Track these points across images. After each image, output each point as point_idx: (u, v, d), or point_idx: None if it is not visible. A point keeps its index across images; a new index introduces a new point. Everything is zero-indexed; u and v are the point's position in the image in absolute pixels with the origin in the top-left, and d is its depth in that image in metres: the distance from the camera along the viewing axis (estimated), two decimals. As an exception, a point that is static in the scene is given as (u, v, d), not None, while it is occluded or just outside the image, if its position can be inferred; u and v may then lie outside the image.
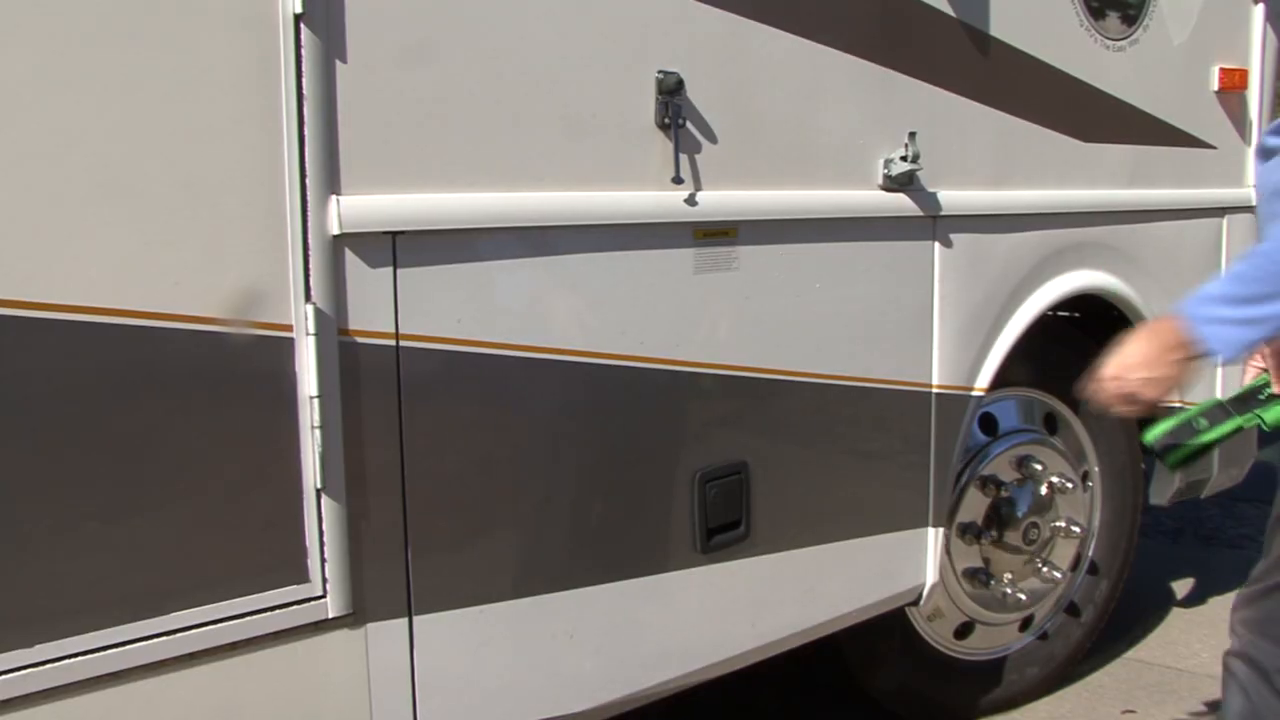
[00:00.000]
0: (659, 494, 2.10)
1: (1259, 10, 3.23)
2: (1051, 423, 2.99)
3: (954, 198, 2.48)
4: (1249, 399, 1.77)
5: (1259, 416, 1.76)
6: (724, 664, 2.25)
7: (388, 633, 1.77)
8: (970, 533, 2.75)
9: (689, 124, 2.03)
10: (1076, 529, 2.92)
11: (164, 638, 1.55)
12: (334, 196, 1.64)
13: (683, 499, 2.12)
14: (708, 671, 2.22)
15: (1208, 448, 1.75)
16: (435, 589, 1.81)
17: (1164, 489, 3.29)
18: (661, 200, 2.01)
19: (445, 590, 1.83)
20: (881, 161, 2.35)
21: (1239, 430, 1.75)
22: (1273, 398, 1.76)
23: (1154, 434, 1.76)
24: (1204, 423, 1.74)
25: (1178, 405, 1.85)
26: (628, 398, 2.02)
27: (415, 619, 1.80)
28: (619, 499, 2.04)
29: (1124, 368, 1.67)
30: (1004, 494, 2.79)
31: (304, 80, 1.59)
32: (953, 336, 2.54)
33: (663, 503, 2.10)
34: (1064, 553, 2.95)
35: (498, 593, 1.89)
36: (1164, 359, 1.63)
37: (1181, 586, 3.89)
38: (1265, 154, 1.67)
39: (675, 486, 2.11)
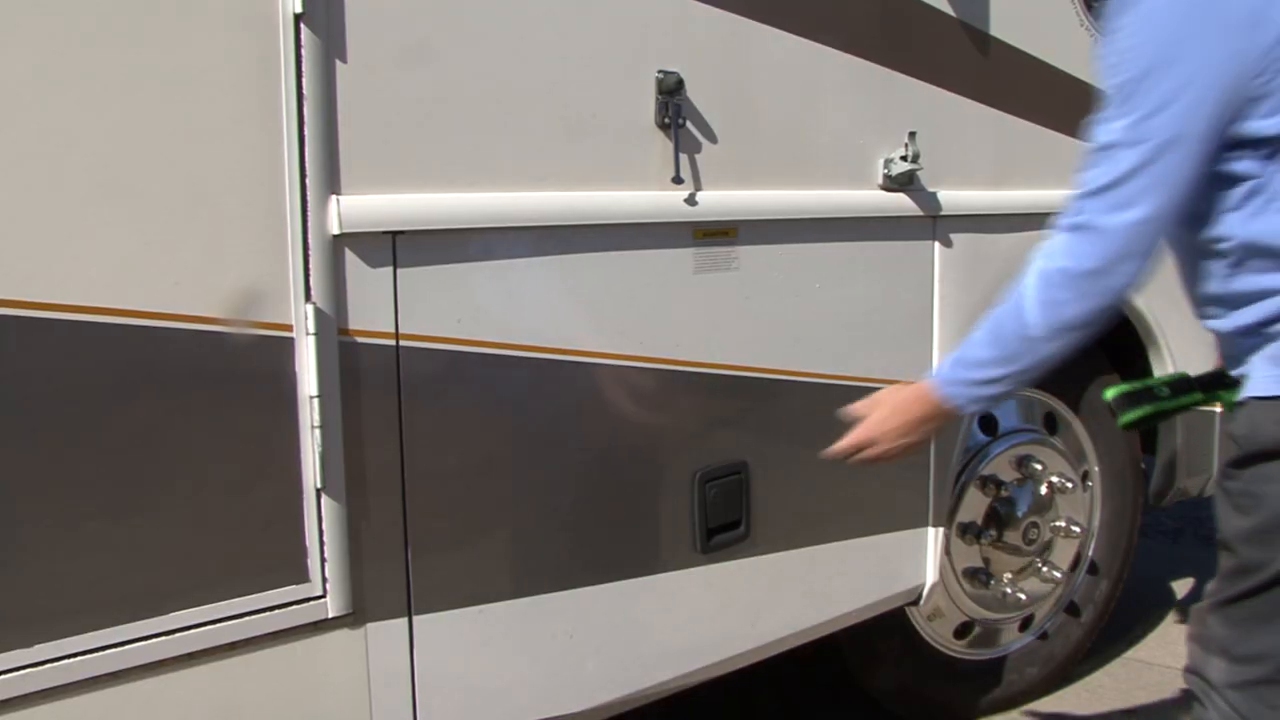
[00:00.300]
0: (659, 494, 2.10)
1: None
2: (1051, 422, 2.98)
3: (954, 198, 2.48)
4: (1215, 380, 1.77)
5: (1221, 397, 1.76)
6: (724, 664, 2.25)
7: (387, 633, 1.77)
8: (970, 533, 2.74)
9: (689, 124, 2.03)
10: (1076, 529, 2.91)
11: (164, 638, 1.55)
12: (334, 196, 1.64)
13: (682, 499, 2.12)
14: (708, 671, 2.22)
15: (1165, 414, 1.76)
16: (435, 589, 1.81)
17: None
18: (661, 200, 2.01)
19: (445, 590, 1.83)
20: (881, 161, 2.35)
21: (1199, 404, 1.77)
22: (1237, 382, 1.76)
23: (1114, 392, 1.76)
24: (1166, 391, 1.75)
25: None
26: (628, 398, 2.02)
27: (415, 619, 1.80)
28: (619, 499, 2.04)
29: (878, 433, 1.82)
30: (1004, 494, 2.79)
31: (304, 80, 1.59)
32: (953, 336, 2.53)
33: (663, 503, 2.10)
34: (1064, 553, 2.95)
35: (497, 593, 1.89)
36: (919, 428, 1.80)
37: (1181, 586, 3.89)
38: None
39: (675, 486, 2.11)
